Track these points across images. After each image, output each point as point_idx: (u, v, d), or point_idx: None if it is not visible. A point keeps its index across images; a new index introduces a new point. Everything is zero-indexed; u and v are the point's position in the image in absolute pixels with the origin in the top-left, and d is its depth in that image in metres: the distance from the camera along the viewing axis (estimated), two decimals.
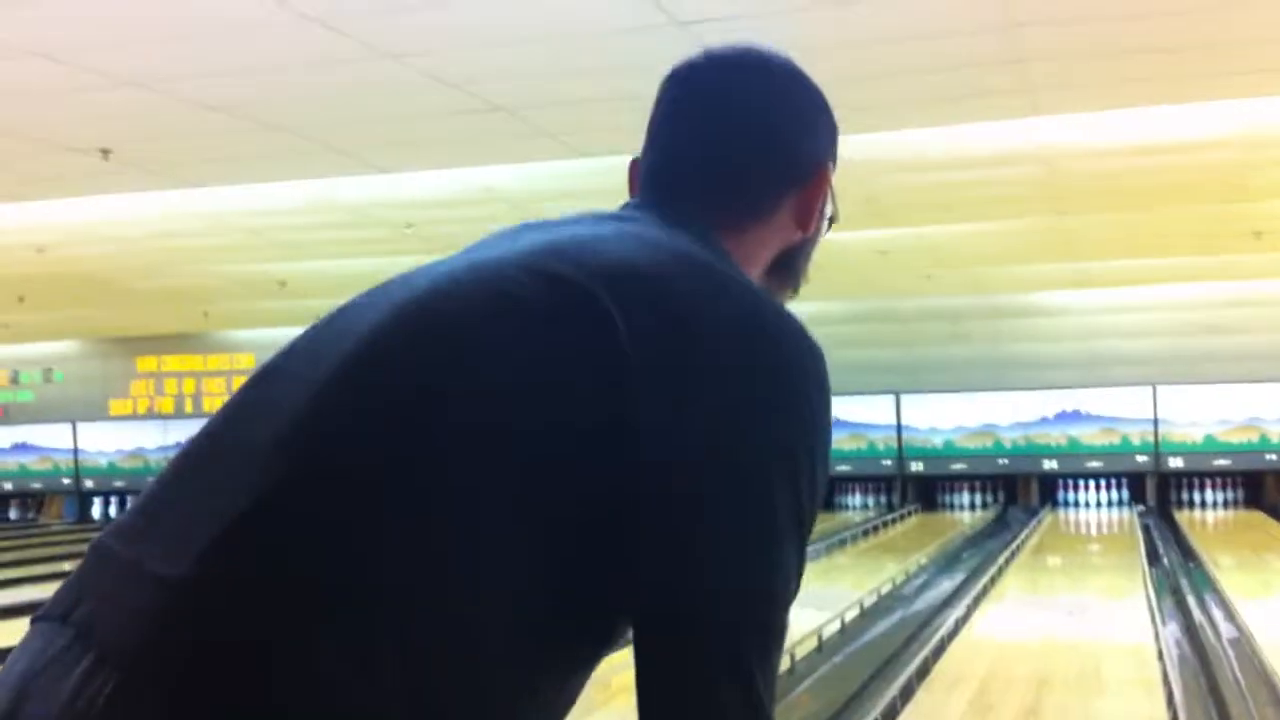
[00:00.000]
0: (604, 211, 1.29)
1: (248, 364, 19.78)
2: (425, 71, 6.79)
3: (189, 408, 19.97)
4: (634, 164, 1.37)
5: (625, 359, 1.03)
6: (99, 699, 0.96)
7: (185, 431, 14.39)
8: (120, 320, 18.01)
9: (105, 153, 8.14)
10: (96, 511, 20.48)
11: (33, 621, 1.09)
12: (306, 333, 1.22)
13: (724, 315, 1.08)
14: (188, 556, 1.00)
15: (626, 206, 1.31)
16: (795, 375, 1.09)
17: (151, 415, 20.10)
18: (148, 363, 20.15)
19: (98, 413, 20.21)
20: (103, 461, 20.30)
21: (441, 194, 9.95)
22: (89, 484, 20.40)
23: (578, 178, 9.47)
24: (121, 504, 20.39)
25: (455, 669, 0.99)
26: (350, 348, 1.10)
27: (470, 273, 1.14)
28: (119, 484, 20.26)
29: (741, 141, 1.27)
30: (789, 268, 1.34)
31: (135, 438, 20.10)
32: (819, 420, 1.10)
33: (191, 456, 1.16)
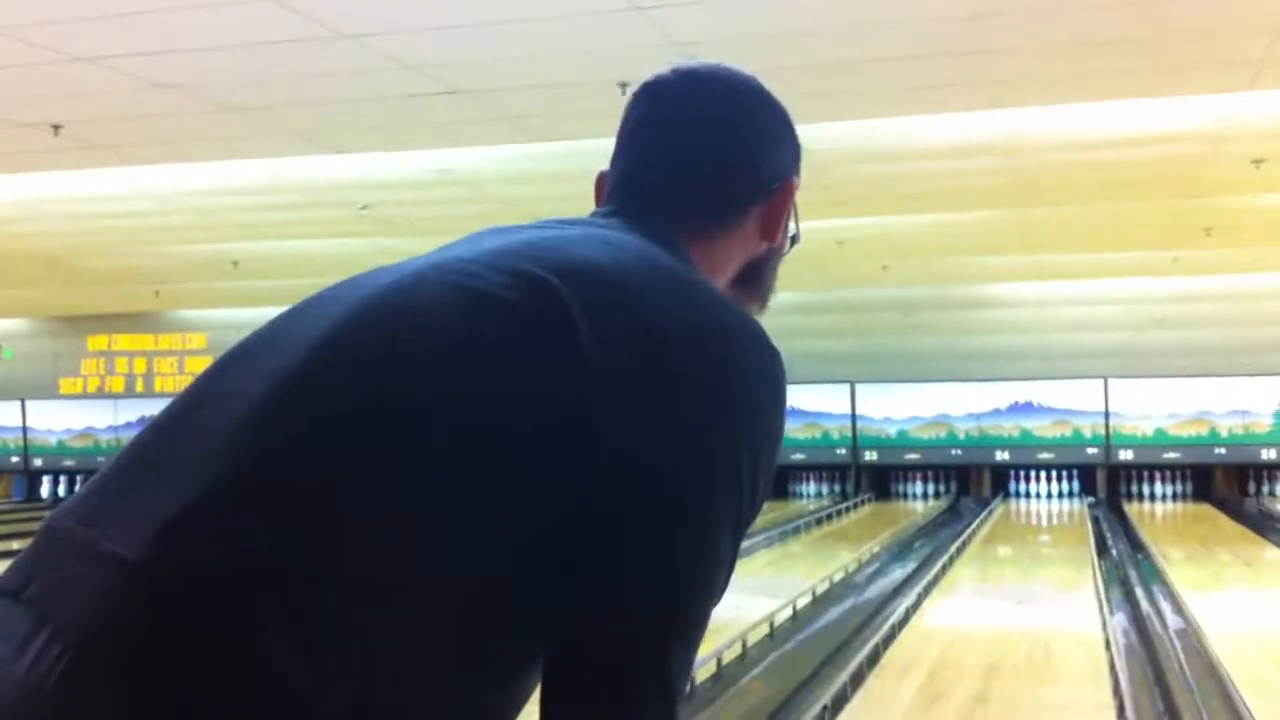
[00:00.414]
0: (573, 218, 1.28)
1: (199, 344, 19.62)
2: (383, 53, 6.73)
3: (140, 387, 19.78)
4: (601, 176, 1.37)
5: (587, 362, 1.03)
6: (51, 676, 0.96)
7: (136, 411, 14.24)
8: (71, 298, 17.80)
9: (56, 129, 8.03)
10: (45, 490, 20.27)
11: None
12: (272, 322, 1.18)
13: (687, 321, 1.09)
14: (144, 539, 0.99)
15: (595, 214, 1.31)
16: (752, 382, 1.10)
17: (102, 394, 19.90)
18: (99, 341, 19.94)
19: (47, 391, 19.98)
20: (52, 440, 20.08)
21: (398, 176, 9.87)
22: (38, 463, 20.18)
23: (536, 161, 9.43)
24: (71, 483, 20.19)
25: (399, 667, 0.99)
26: (315, 339, 1.09)
27: (434, 270, 1.14)
28: (68, 463, 20.06)
29: (709, 154, 1.30)
30: (755, 279, 1.35)
31: (85, 417, 19.90)
32: (770, 428, 1.11)
33: (149, 440, 1.13)
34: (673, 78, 1.33)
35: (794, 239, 1.38)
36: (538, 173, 9.87)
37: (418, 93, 7.51)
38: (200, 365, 17.66)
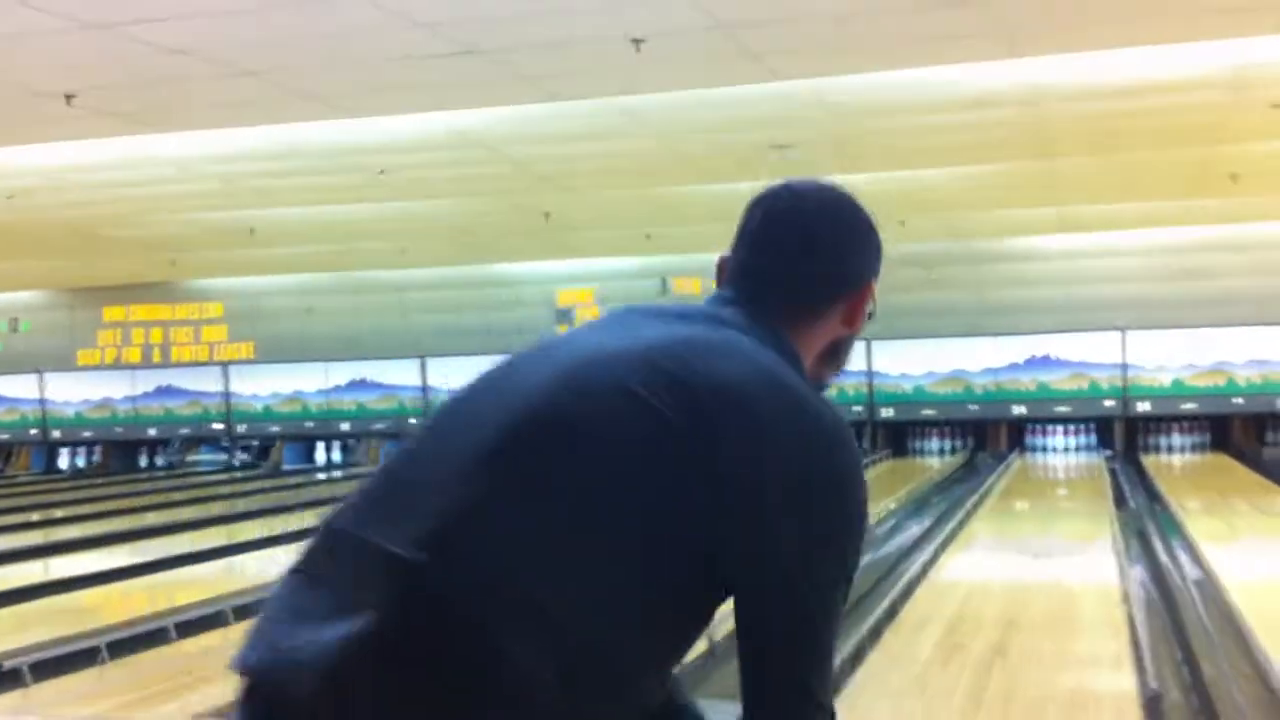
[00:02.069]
0: (706, 310, 1.64)
1: (216, 313, 19.67)
2: (397, 12, 6.71)
3: (156, 357, 19.86)
4: (723, 260, 1.74)
5: (717, 460, 1.41)
6: (351, 646, 1.32)
7: (153, 381, 14.26)
8: (87, 269, 17.85)
9: (68, 98, 8.04)
10: (64, 462, 20.38)
11: (290, 572, 1.53)
12: (488, 377, 1.60)
13: (797, 431, 1.47)
14: (416, 542, 1.36)
15: (717, 299, 1.68)
16: (847, 481, 1.50)
17: (119, 365, 19.98)
18: (115, 312, 19.99)
19: (65, 363, 20.06)
20: (70, 412, 20.17)
21: (414, 139, 9.87)
22: (56, 434, 20.27)
23: (551, 121, 9.41)
24: (89, 454, 20.32)
25: (592, 647, 1.36)
26: (529, 394, 1.48)
27: (604, 368, 1.48)
28: (86, 434, 20.16)
29: (809, 259, 1.67)
30: (836, 355, 1.73)
31: (102, 388, 19.98)
32: (860, 510, 1.52)
33: (405, 461, 1.54)
34: (785, 194, 1.73)
35: (870, 314, 1.73)
36: (554, 133, 9.86)
37: (432, 53, 7.50)
38: (217, 335, 17.73)
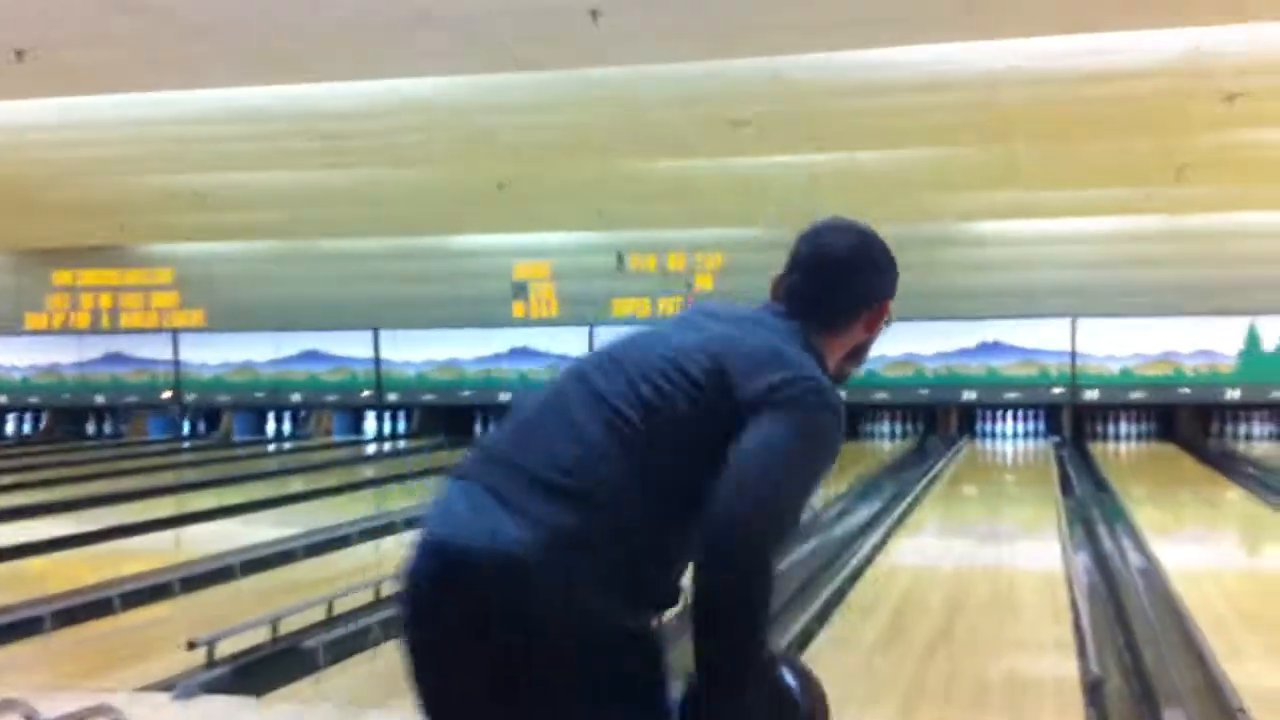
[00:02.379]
0: (757, 316, 2.20)
1: (166, 279, 19.45)
2: None
3: (105, 323, 19.61)
4: (777, 279, 2.27)
5: (734, 390, 2.01)
6: (510, 531, 1.91)
7: (101, 348, 14.04)
8: (35, 232, 17.60)
9: (19, 54, 7.89)
10: (9, 428, 20.11)
11: (454, 478, 2.09)
12: (597, 358, 2.15)
13: (793, 379, 2.03)
14: (547, 465, 1.98)
15: (770, 309, 2.23)
16: (825, 417, 2.04)
17: (67, 330, 19.73)
18: (64, 276, 19.73)
19: (12, 327, 19.79)
20: (16, 377, 19.91)
21: (369, 106, 9.77)
22: (2, 399, 20.02)
23: (511, 91, 9.34)
24: (36, 420, 20.06)
25: (645, 542, 1.98)
26: (632, 378, 2.06)
27: (683, 353, 2.07)
28: (33, 400, 19.92)
29: (842, 287, 2.23)
30: (857, 355, 2.30)
31: (50, 353, 19.73)
32: (832, 441, 2.06)
33: (538, 415, 2.10)
34: (827, 232, 2.25)
35: (888, 323, 2.30)
36: (511, 104, 9.79)
37: (389, 19, 7.42)
38: (167, 300, 17.50)
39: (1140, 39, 8.18)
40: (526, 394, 2.58)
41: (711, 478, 1.92)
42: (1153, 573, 7.29)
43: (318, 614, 6.02)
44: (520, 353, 18.82)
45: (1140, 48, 8.35)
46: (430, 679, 2.08)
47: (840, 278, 2.22)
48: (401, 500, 11.02)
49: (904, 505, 10.21)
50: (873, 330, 2.26)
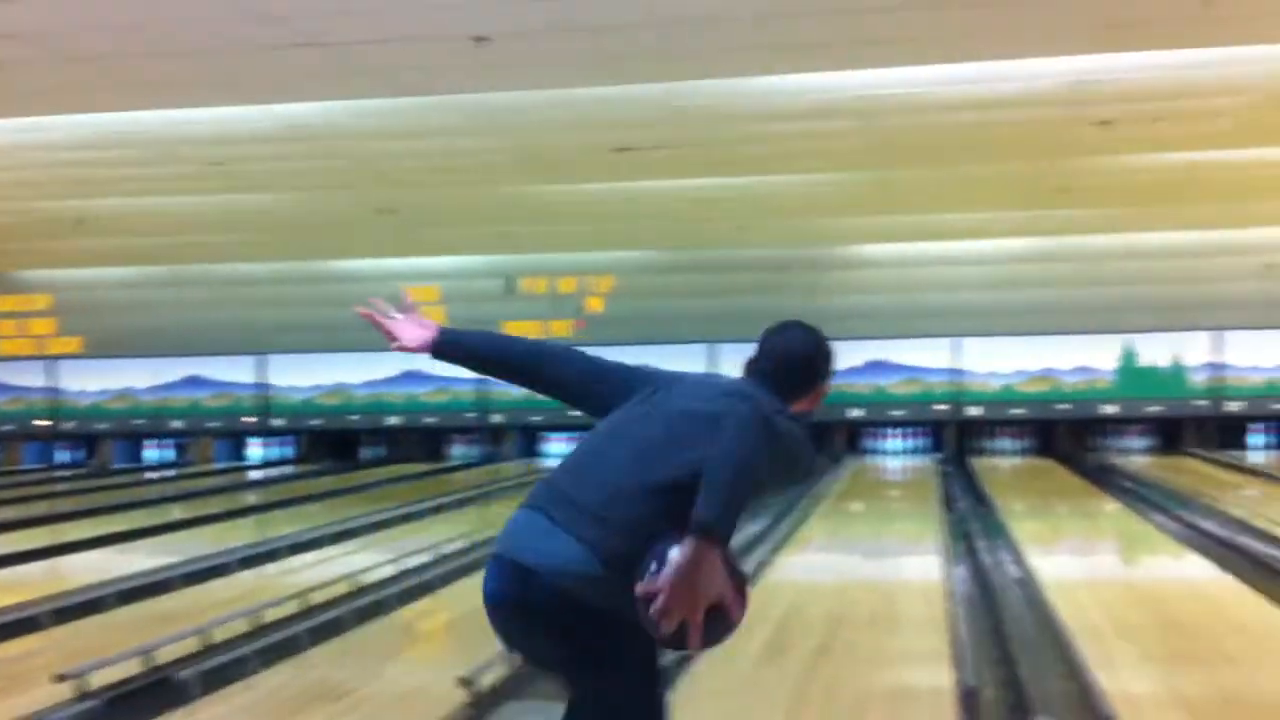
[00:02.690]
0: (746, 390, 2.97)
1: (44, 305, 18.98)
2: (235, 3, 6.57)
3: None
4: (749, 361, 3.16)
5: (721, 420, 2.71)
6: (571, 554, 2.70)
7: None
8: None
9: None
10: None
11: (524, 508, 2.85)
12: (629, 415, 2.97)
13: (765, 412, 2.78)
14: (601, 501, 2.74)
15: (749, 382, 3.07)
16: (792, 434, 2.87)
17: None
18: None
19: None
20: None
21: (251, 131, 9.66)
22: None
23: (393, 116, 9.31)
24: None
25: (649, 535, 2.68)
26: (654, 433, 2.87)
27: (699, 402, 2.93)
28: None
29: (799, 369, 3.10)
30: (806, 417, 3.07)
31: None
32: (797, 447, 2.89)
33: (595, 448, 2.92)
34: (790, 329, 3.15)
35: (824, 397, 3.16)
36: (395, 129, 9.76)
37: (271, 44, 7.36)
38: (44, 327, 17.08)
39: (1019, 67, 8.42)
40: (588, 437, 3.00)
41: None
42: (1029, 584, 7.47)
43: (194, 644, 5.94)
44: (410, 376, 18.69)
45: (1019, 75, 8.60)
46: (514, 643, 2.92)
47: (799, 369, 3.09)
48: (285, 526, 10.86)
49: (791, 522, 10.33)
50: (815, 404, 3.12)
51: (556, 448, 19.01)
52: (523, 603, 2.75)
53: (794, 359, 3.09)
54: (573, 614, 2.72)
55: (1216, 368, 17.22)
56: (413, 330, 3.23)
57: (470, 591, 7.63)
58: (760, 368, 3.09)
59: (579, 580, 2.69)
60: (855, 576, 7.83)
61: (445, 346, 3.21)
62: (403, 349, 3.24)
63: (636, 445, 2.82)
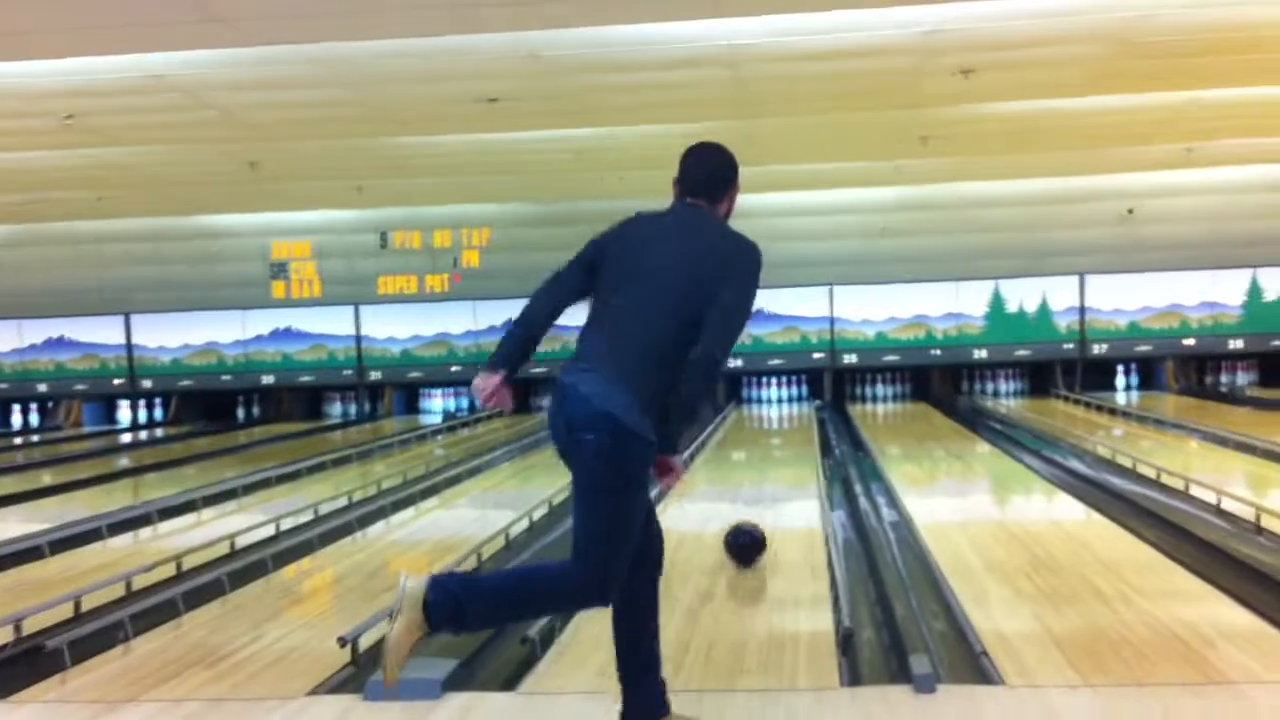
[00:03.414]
0: (686, 209, 3.82)
1: None
2: None
3: None
4: (676, 180, 3.85)
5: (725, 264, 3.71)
6: (598, 381, 3.57)
7: None
8: None
9: None
10: None
11: (564, 373, 3.67)
12: (621, 277, 3.74)
13: (741, 241, 3.72)
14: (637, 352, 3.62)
15: (684, 199, 3.83)
16: (758, 260, 3.72)
17: None
18: None
19: None
20: None
21: (106, 83, 9.34)
22: None
23: (253, 68, 9.06)
24: None
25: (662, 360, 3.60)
26: (661, 274, 3.68)
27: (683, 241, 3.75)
28: None
29: (718, 177, 3.86)
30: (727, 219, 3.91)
31: None
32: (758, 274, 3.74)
33: (608, 318, 3.70)
34: (700, 148, 3.89)
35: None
36: (255, 80, 9.51)
37: None
38: None
39: (878, 16, 8.46)
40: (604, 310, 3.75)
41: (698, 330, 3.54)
42: (904, 526, 7.62)
43: (67, 611, 5.80)
44: (283, 334, 18.36)
45: (879, 25, 8.65)
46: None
47: (720, 179, 3.83)
48: (159, 489, 10.62)
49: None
50: (732, 204, 3.88)
51: (436, 404, 18.86)
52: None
53: (714, 172, 3.82)
54: None
55: (1082, 312, 17.68)
56: (497, 394, 3.80)
57: (350, 550, 7.56)
58: (690, 186, 3.81)
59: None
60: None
61: (512, 372, 3.80)
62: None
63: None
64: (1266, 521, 7.08)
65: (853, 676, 4.55)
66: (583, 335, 3.71)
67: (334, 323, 18.15)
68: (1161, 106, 11.85)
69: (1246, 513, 7.37)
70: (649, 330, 3.57)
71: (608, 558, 3.56)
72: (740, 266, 3.65)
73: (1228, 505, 7.71)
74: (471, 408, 18.11)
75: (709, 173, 3.82)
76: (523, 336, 3.79)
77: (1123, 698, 4.03)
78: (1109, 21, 8.74)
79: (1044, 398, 17.55)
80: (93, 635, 5.35)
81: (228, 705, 4.36)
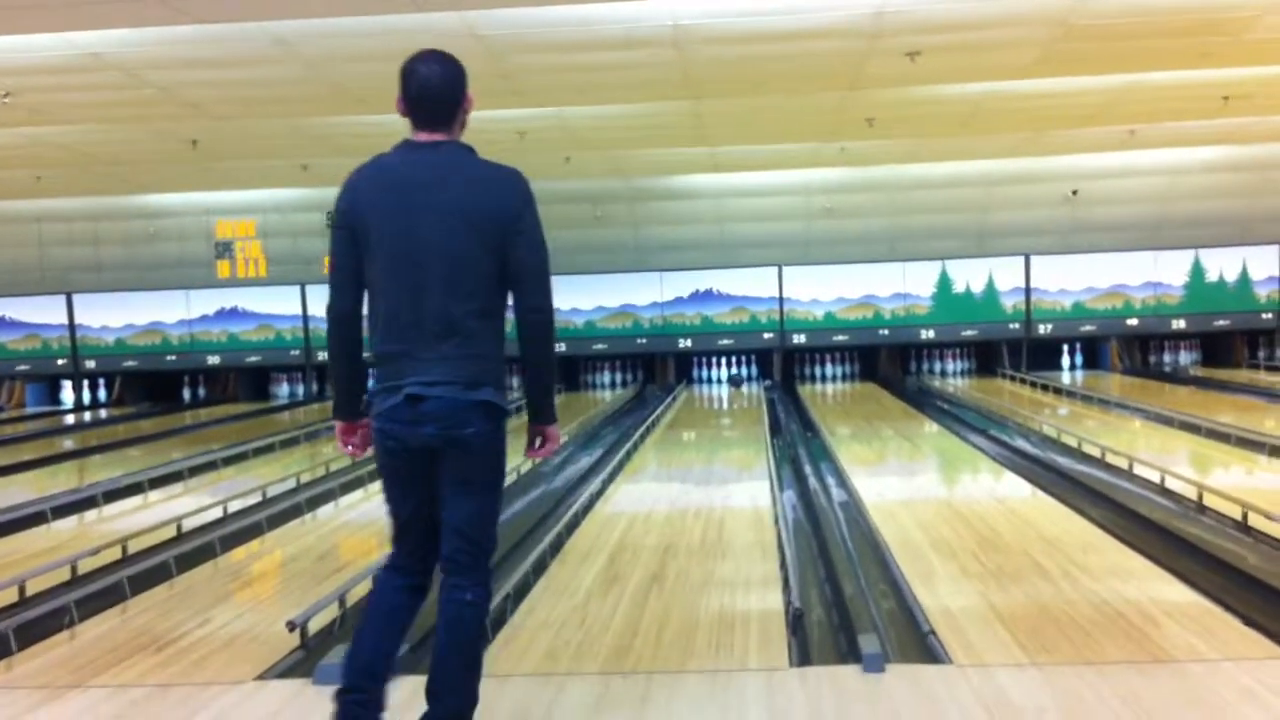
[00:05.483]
0: (428, 143, 3.46)
1: None
2: None
3: None
4: (399, 101, 3.47)
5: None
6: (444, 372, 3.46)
7: None
8: None
9: None
10: None
11: (394, 377, 3.41)
12: (397, 260, 3.40)
13: (508, 182, 3.47)
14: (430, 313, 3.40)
15: (422, 132, 3.48)
16: (529, 189, 3.49)
17: None
18: None
19: None
20: None
21: (43, 61, 9.18)
22: None
23: (194, 46, 8.94)
24: None
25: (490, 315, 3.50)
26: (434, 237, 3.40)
27: (455, 220, 3.43)
28: None
29: (449, 94, 3.45)
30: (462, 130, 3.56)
31: None
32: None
33: (406, 304, 3.38)
34: (420, 64, 3.43)
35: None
36: (196, 59, 9.39)
37: None
38: None
39: None
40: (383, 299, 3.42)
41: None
42: (852, 506, 7.66)
43: (11, 595, 5.73)
44: (228, 314, 18.19)
45: (825, 6, 8.65)
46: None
47: (450, 99, 3.44)
48: (104, 471, 10.50)
49: (624, 452, 10.39)
50: (464, 124, 3.52)
51: None
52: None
53: (445, 93, 3.43)
54: None
55: (1027, 292, 17.84)
56: (364, 441, 3.62)
57: (299, 533, 7.51)
58: (424, 115, 3.43)
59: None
60: (686, 504, 7.91)
61: (355, 408, 3.59)
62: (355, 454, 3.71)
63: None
64: (1209, 500, 7.19)
65: (803, 657, 4.57)
66: (385, 333, 3.39)
67: (280, 302, 18.00)
68: (1105, 89, 11.96)
69: (1190, 492, 7.48)
70: (455, 306, 3.36)
71: (494, 541, 3.57)
72: (519, 209, 3.38)
73: (1171, 484, 7.82)
74: None
75: (444, 95, 3.41)
76: (347, 372, 3.52)
77: (1068, 676, 4.07)
78: (1053, 4, 8.80)
79: (990, 377, 17.70)
80: (38, 620, 5.29)
81: (175, 690, 4.32)
